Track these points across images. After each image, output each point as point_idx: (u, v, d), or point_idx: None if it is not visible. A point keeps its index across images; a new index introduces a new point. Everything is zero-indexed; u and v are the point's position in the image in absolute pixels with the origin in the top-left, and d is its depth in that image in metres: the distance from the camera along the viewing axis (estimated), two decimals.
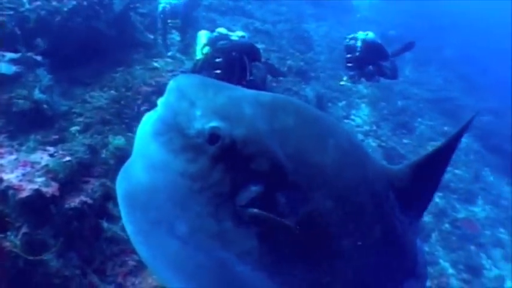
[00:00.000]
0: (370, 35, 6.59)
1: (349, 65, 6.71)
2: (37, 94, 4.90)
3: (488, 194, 10.88)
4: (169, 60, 7.05)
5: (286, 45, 11.51)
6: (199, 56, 5.15)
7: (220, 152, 1.69)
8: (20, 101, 4.86)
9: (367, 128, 10.94)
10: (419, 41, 8.29)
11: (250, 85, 5.07)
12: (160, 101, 1.91)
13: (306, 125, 1.80)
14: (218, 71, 4.98)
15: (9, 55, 5.07)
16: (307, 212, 1.67)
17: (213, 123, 1.71)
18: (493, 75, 17.93)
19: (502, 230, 10.03)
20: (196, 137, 1.73)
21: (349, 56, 6.63)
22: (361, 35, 6.58)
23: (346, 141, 1.89)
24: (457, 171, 10.90)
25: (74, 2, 5.72)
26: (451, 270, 8.23)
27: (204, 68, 5.12)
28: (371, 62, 6.54)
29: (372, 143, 10.36)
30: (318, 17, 16.03)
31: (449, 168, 10.20)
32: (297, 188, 1.68)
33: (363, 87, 12.15)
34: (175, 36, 8.15)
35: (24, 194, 3.77)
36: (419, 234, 2.16)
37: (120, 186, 1.83)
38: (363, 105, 11.84)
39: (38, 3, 5.52)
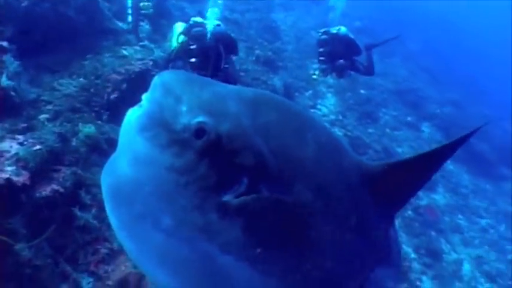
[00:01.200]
0: (343, 29, 6.71)
1: (321, 58, 6.81)
2: (4, 81, 4.76)
3: (448, 182, 11.36)
4: (138, 48, 6.96)
5: (255, 35, 11.55)
6: (174, 45, 5.13)
7: (206, 146, 1.74)
8: None
9: (333, 117, 11.16)
10: (384, 33, 8.54)
11: (225, 74, 5.10)
12: (145, 97, 1.92)
13: (287, 120, 1.88)
14: (193, 60, 4.98)
15: None
16: (290, 202, 1.75)
17: (199, 118, 1.75)
18: (455, 68, 18.59)
19: (460, 216, 10.53)
20: (183, 131, 1.76)
21: (321, 50, 6.73)
22: (333, 29, 6.69)
23: (324, 135, 1.98)
24: None
25: None
26: (413, 255, 8.59)
27: (180, 56, 5.11)
28: (343, 56, 6.66)
29: (338, 132, 10.59)
30: (286, 7, 16.12)
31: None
32: (278, 180, 1.75)
33: (330, 77, 12.39)
34: (145, 25, 8.04)
35: None
36: (393, 226, 2.27)
37: (105, 181, 1.84)
38: (329, 95, 12.04)
39: None
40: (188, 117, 1.77)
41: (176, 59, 5.13)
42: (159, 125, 1.80)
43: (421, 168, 2.03)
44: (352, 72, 7.10)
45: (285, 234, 1.75)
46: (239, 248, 1.71)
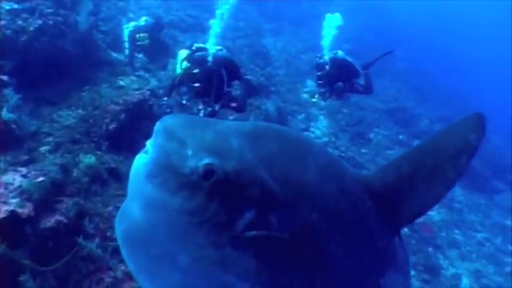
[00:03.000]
0: (340, 53, 6.86)
1: (320, 82, 6.94)
2: (5, 114, 4.86)
3: None
4: (134, 78, 7.10)
5: (246, 61, 11.78)
6: (178, 71, 5.23)
7: (215, 186, 1.82)
8: None
9: (326, 139, 11.31)
10: (373, 53, 8.75)
11: (228, 98, 5.21)
12: (149, 143, 1.99)
13: (287, 148, 1.99)
14: (197, 84, 5.09)
15: None
16: (297, 226, 1.86)
17: (206, 160, 1.83)
18: (441, 84, 18.94)
19: (456, 231, 10.63)
20: (191, 174, 1.84)
21: (319, 73, 6.86)
22: (330, 53, 6.84)
23: (323, 157, 2.10)
24: None
25: (40, 22, 5.71)
26: (411, 272, 8.63)
27: (183, 82, 5.21)
28: (341, 79, 6.78)
29: None
30: (275, 32, 16.47)
31: None
32: (285, 207, 1.86)
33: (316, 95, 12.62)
34: (139, 55, 8.21)
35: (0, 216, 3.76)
36: (398, 233, 2.37)
37: (119, 228, 1.91)
38: (321, 117, 12.23)
39: (3, 22, 5.49)
40: (195, 160, 1.85)
41: (180, 85, 5.24)
42: (167, 171, 1.88)
43: (413, 164, 2.09)
44: (350, 94, 7.23)
45: (295, 257, 1.85)
46: (254, 275, 1.80)
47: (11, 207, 3.87)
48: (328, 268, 1.92)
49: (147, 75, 8.05)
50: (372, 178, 2.18)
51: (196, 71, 5.05)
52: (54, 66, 6.12)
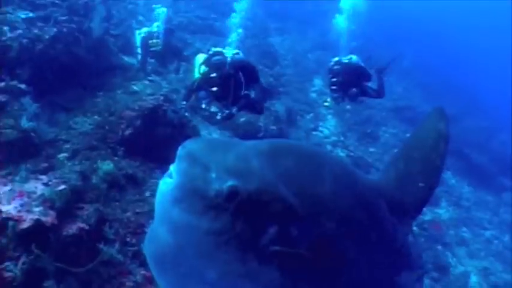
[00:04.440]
0: (354, 58, 6.89)
1: (334, 87, 6.99)
2: (25, 123, 4.97)
3: (450, 196, 11.57)
4: (147, 82, 7.22)
5: (255, 62, 11.81)
6: (196, 75, 5.32)
7: (239, 206, 1.96)
8: (8, 131, 4.92)
9: (334, 138, 11.40)
10: (378, 50, 8.81)
11: (246, 101, 5.29)
12: (173, 168, 2.12)
13: (303, 162, 2.13)
14: (215, 89, 5.18)
15: None
16: (316, 236, 1.99)
17: (230, 183, 1.97)
18: (448, 81, 18.93)
19: (464, 229, 10.71)
20: (215, 197, 1.97)
21: (334, 80, 6.90)
22: (344, 58, 6.87)
23: (337, 167, 2.25)
24: None
25: (55, 29, 5.81)
26: None
27: (201, 86, 5.30)
28: (355, 84, 6.84)
29: (340, 153, 10.82)
30: (282, 31, 16.51)
31: None
32: (305, 219, 1.99)
33: (327, 96, 12.68)
34: (152, 61, 8.31)
35: (25, 225, 3.88)
36: (410, 231, 2.55)
37: (149, 250, 2.07)
38: (329, 117, 12.31)
39: (20, 31, 5.59)
40: (219, 183, 1.98)
41: (198, 89, 5.33)
42: (193, 195, 2.01)
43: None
44: (363, 98, 7.27)
45: (315, 264, 1.98)
46: (279, 284, 1.92)
47: (36, 216, 3.98)
48: (346, 272, 2.05)
49: (158, 78, 8.15)
50: (380, 181, 2.35)
51: (214, 75, 5.14)
52: (69, 72, 6.23)
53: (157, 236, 2.05)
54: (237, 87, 5.16)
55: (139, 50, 7.92)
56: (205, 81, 5.23)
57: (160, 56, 7.82)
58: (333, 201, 2.08)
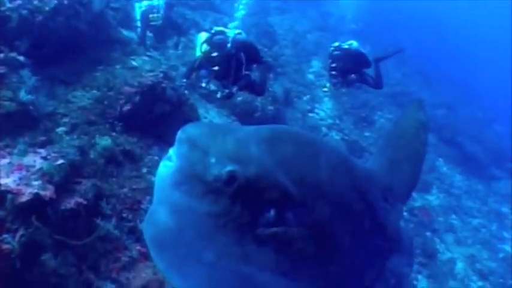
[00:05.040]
0: (354, 44, 6.82)
1: (333, 73, 6.96)
2: (24, 96, 4.95)
3: (441, 183, 11.73)
4: (146, 58, 7.16)
5: (254, 41, 11.76)
6: (198, 54, 5.31)
7: (238, 191, 2.02)
8: (6, 103, 4.89)
9: (330, 121, 11.44)
10: (377, 36, 8.80)
11: (246, 81, 5.29)
12: (173, 152, 2.17)
13: (301, 149, 2.19)
14: (216, 68, 5.17)
15: None
16: (312, 220, 2.06)
17: (228, 168, 2.03)
18: (447, 69, 18.94)
19: (454, 216, 10.90)
20: (215, 181, 2.03)
21: (333, 65, 6.87)
22: (345, 44, 6.81)
23: (333, 154, 2.32)
24: None
25: (56, 1, 5.72)
26: None
27: (203, 65, 5.30)
28: (354, 70, 6.80)
29: (335, 136, 10.88)
30: (282, 10, 16.35)
31: None
32: (301, 204, 2.06)
33: (326, 81, 12.66)
34: (150, 35, 8.23)
35: (24, 199, 3.90)
36: (401, 217, 2.67)
37: (148, 231, 2.09)
38: (326, 99, 12.31)
39: (19, 2, 5.50)
40: (218, 167, 2.04)
41: (199, 68, 5.33)
42: (192, 178, 2.07)
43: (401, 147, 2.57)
44: (360, 85, 7.26)
45: (310, 247, 2.06)
46: (274, 266, 2.00)
47: (35, 190, 4.01)
48: (340, 255, 2.13)
49: (156, 53, 8.08)
50: (372, 168, 2.45)
51: (215, 54, 5.13)
52: (68, 46, 6.16)
53: (157, 218, 2.08)
54: (238, 67, 5.17)
55: (138, 24, 7.83)
56: (206, 60, 5.22)
57: (159, 31, 7.75)
58: (329, 188, 2.15)
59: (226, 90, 5.28)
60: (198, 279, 1.94)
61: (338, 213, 2.13)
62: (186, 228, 2.01)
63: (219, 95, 5.44)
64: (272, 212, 2.01)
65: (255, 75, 5.60)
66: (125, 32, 8.09)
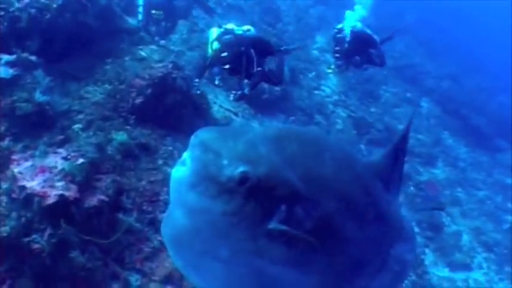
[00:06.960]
0: (358, 25, 6.75)
1: (337, 55, 6.98)
2: (39, 96, 5.07)
3: (447, 156, 11.86)
4: (154, 47, 7.21)
5: (258, 21, 11.71)
6: (209, 52, 5.39)
7: (250, 190, 2.17)
8: (23, 104, 5.02)
9: (336, 97, 11.47)
10: (380, 6, 8.74)
11: (259, 76, 5.39)
12: (186, 155, 2.31)
13: (307, 147, 2.35)
14: (227, 66, 5.28)
15: (5, 58, 5.15)
16: (319, 214, 2.22)
17: (241, 168, 2.17)
18: (451, 39, 18.73)
19: (459, 189, 11.07)
20: (228, 182, 2.17)
21: (337, 48, 6.88)
22: (348, 27, 6.72)
23: (337, 150, 2.51)
24: (420, 136, 11.76)
25: None
26: (416, 229, 9.13)
27: (214, 64, 5.39)
28: (359, 52, 6.78)
29: (341, 113, 10.96)
30: None
31: (412, 134, 10.97)
32: (309, 199, 2.22)
33: (330, 57, 12.64)
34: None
35: (50, 201, 4.08)
36: (401, 206, 2.88)
37: (166, 232, 2.27)
38: (331, 76, 12.27)
39: (27, 1, 5.55)
40: (230, 169, 2.18)
41: (212, 66, 5.43)
42: (207, 180, 2.21)
43: (399, 153, 2.70)
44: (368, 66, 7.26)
45: (318, 240, 2.20)
46: (285, 259, 2.17)
47: (59, 192, 4.17)
48: (347, 245, 2.30)
49: (163, 41, 8.10)
50: (378, 162, 2.67)
51: (225, 54, 5.21)
52: (77, 41, 6.23)
53: (174, 219, 2.25)
54: (249, 64, 5.24)
55: (140, 9, 7.84)
56: (217, 59, 5.30)
57: (160, 23, 7.81)
58: (334, 183, 2.31)
59: (239, 92, 5.40)
60: (215, 275, 2.12)
61: (344, 205, 2.29)
62: (201, 227, 2.17)
63: (232, 97, 5.60)
64: (282, 208, 2.16)
65: (271, 66, 5.68)
66: (131, 20, 8.08)
